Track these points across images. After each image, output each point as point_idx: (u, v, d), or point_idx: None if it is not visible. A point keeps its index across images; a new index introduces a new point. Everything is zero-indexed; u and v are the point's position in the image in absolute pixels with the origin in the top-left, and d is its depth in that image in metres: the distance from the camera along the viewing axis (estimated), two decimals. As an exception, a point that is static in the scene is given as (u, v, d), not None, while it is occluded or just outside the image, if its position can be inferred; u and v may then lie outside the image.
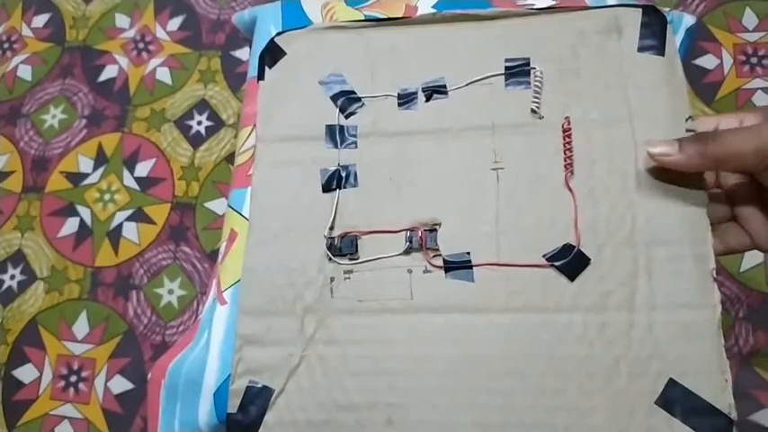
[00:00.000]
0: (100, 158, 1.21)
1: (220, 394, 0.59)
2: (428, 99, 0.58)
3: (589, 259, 0.50)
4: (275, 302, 0.55)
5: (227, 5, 1.30)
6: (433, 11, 0.73)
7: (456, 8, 0.71)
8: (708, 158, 0.46)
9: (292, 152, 0.60)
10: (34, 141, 1.25)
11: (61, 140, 1.24)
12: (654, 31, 0.61)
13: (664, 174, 0.50)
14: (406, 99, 0.60)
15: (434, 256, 0.53)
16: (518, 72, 0.59)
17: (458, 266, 0.52)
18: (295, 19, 0.75)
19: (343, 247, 0.55)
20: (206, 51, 1.27)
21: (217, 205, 1.15)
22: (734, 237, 0.52)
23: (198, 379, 0.60)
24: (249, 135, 0.73)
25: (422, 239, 0.53)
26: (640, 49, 0.59)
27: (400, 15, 0.72)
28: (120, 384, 1.06)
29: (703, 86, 1.11)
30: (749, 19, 1.14)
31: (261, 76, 0.65)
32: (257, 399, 0.53)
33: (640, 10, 0.61)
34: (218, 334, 0.63)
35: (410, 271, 0.53)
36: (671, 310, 0.49)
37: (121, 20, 1.33)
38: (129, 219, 1.16)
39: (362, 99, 0.60)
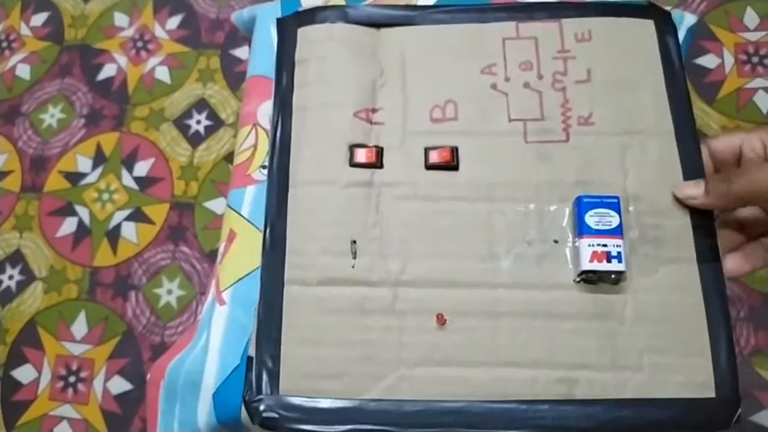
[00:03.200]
0: (98, 158, 1.21)
1: (220, 395, 0.58)
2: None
3: None
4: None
5: (227, 4, 1.29)
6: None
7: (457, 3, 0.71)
8: (733, 198, 0.48)
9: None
10: (33, 141, 1.24)
11: (60, 140, 1.23)
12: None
13: None
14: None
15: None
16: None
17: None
18: (295, 17, 0.75)
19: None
20: (205, 50, 1.27)
21: (216, 205, 1.14)
22: (759, 256, 0.53)
23: (197, 379, 0.60)
24: (248, 134, 0.72)
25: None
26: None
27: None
28: (119, 385, 1.05)
29: (704, 86, 1.11)
30: (750, 18, 1.14)
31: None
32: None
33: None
34: (217, 334, 0.62)
35: None
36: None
37: (120, 19, 1.32)
38: (127, 218, 1.16)
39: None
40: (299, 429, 0.54)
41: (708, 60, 1.13)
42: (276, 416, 0.55)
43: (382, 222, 0.61)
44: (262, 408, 0.55)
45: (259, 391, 0.56)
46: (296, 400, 0.55)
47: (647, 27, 0.66)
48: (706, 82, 1.11)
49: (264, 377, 0.56)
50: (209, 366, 0.60)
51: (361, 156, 0.63)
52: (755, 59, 1.11)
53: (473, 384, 0.55)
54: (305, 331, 0.58)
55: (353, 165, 0.62)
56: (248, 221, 0.66)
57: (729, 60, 1.12)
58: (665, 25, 0.66)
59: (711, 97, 1.10)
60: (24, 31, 1.35)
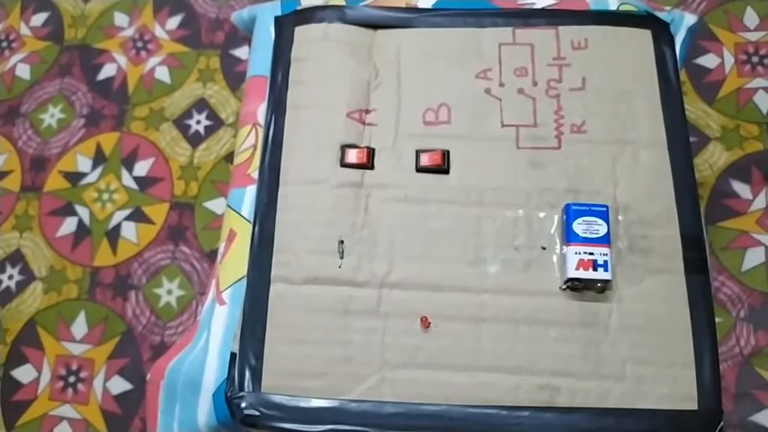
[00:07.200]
0: (98, 158, 1.21)
1: (219, 395, 0.58)
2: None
3: None
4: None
5: (227, 4, 1.29)
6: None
7: (456, 6, 0.71)
8: None
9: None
10: (33, 141, 1.24)
11: (60, 140, 1.23)
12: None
13: None
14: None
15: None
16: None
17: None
18: (294, 17, 0.75)
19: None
20: (205, 50, 1.27)
21: (216, 205, 1.14)
22: None
23: (197, 379, 0.60)
24: (248, 134, 0.72)
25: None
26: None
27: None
28: (119, 385, 1.05)
29: (704, 86, 1.11)
30: (750, 18, 1.14)
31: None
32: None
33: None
34: (217, 335, 0.62)
35: None
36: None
37: (120, 18, 1.32)
38: (127, 218, 1.16)
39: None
40: (279, 428, 0.54)
41: (708, 60, 1.12)
42: (257, 413, 0.55)
43: (371, 223, 0.61)
44: (243, 405, 0.55)
45: (241, 387, 0.56)
46: (277, 398, 0.56)
47: (645, 37, 0.66)
48: (706, 82, 1.11)
49: (247, 374, 0.56)
50: (209, 366, 0.60)
51: (353, 156, 0.63)
52: (755, 59, 1.11)
53: (455, 388, 0.55)
54: (289, 329, 0.58)
55: (344, 165, 0.63)
56: (248, 221, 0.65)
57: (729, 60, 1.12)
58: (663, 35, 0.66)
59: (711, 97, 1.10)
60: (24, 31, 1.35)
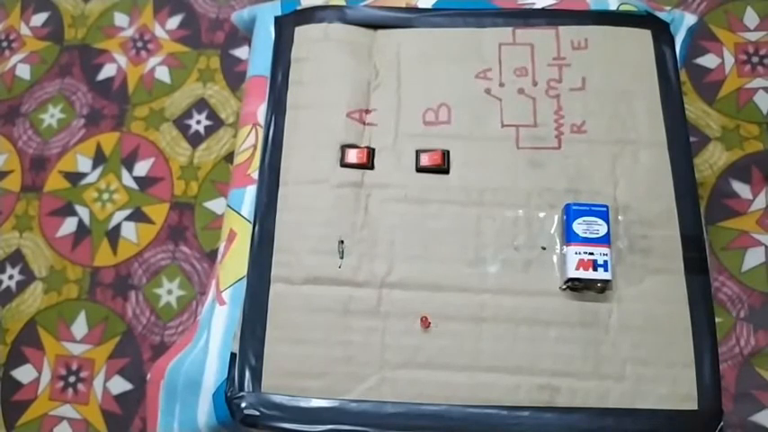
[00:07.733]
0: (98, 158, 1.21)
1: (219, 395, 0.58)
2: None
3: None
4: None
5: (227, 4, 1.29)
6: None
7: (456, 6, 0.71)
8: None
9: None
10: (33, 141, 1.24)
11: (60, 140, 1.23)
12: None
13: None
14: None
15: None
16: None
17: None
18: (294, 17, 0.75)
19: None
20: (205, 50, 1.27)
21: (216, 205, 1.14)
22: None
23: (197, 379, 0.60)
24: (248, 134, 0.72)
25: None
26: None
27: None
28: (119, 385, 1.05)
29: (704, 86, 1.11)
30: (750, 18, 1.14)
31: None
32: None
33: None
34: (217, 335, 0.62)
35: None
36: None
37: (120, 18, 1.32)
38: (127, 218, 1.16)
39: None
40: (279, 428, 0.54)
41: (708, 60, 1.12)
42: (257, 413, 0.55)
43: (371, 223, 0.61)
44: (243, 405, 0.55)
45: (241, 387, 0.56)
46: (277, 398, 0.56)
47: (645, 37, 0.66)
48: (706, 82, 1.11)
49: (247, 374, 0.56)
50: (209, 366, 0.60)
51: (353, 156, 0.63)
52: (755, 59, 1.11)
53: (455, 388, 0.55)
54: (289, 329, 0.58)
55: (344, 165, 0.63)
56: (248, 221, 0.65)
57: (729, 60, 1.12)
58: (663, 35, 0.66)
59: (711, 97, 1.10)
60: (24, 31, 1.35)
